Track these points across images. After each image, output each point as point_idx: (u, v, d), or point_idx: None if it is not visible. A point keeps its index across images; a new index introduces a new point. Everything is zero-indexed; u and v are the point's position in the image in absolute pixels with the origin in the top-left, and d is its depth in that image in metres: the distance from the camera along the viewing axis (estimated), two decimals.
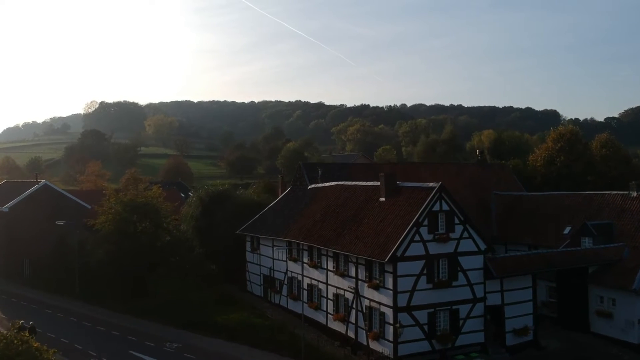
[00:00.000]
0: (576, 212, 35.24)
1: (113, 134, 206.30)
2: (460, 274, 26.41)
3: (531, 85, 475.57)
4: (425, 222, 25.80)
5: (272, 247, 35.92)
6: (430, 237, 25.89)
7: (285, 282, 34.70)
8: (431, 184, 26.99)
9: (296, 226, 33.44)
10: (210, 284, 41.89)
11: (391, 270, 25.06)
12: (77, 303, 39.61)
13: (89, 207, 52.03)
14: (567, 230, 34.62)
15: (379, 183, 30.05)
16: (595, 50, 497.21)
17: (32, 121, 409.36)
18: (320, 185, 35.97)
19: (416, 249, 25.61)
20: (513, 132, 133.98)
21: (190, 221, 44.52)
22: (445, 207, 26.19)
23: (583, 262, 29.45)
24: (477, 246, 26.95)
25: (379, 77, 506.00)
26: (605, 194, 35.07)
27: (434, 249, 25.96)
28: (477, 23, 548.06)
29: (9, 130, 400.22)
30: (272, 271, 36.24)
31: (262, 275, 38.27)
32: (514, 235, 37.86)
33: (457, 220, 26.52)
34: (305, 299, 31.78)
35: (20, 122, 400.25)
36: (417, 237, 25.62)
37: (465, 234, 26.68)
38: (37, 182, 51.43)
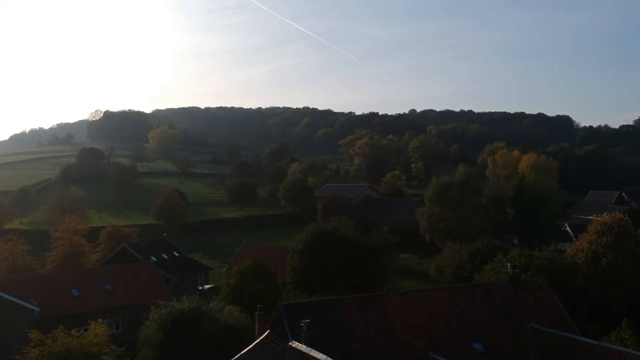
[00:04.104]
0: None
1: (113, 151, 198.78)
2: None
3: (542, 87, 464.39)
4: None
5: None
6: None
7: None
8: None
9: None
10: None
11: None
12: None
13: (37, 309, 44.05)
14: None
15: None
16: (605, 50, 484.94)
17: (39, 127, 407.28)
18: (303, 349, 27.09)
19: None
20: (538, 156, 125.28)
21: (147, 351, 35.86)
22: None
23: None
24: None
25: (389, 77, 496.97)
26: None
27: None
28: (488, 23, 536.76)
29: (15, 137, 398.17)
30: None
31: None
32: None
33: None
34: None
35: (27, 129, 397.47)
36: None
37: None
38: None
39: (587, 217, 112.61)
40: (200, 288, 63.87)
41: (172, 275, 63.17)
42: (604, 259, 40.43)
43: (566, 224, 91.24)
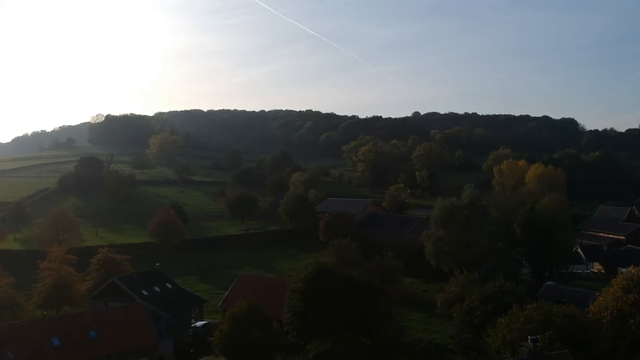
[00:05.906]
0: None
1: (112, 158, 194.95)
2: None
3: (547, 88, 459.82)
4: None
5: None
6: None
7: None
8: None
9: None
10: None
11: None
12: None
13: None
14: None
15: None
16: (609, 50, 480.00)
17: (41, 130, 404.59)
18: None
19: None
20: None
21: None
22: None
23: None
24: None
25: (392, 77, 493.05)
26: None
27: None
28: (492, 23, 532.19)
29: (17, 140, 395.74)
30: None
31: None
32: None
33: None
34: None
35: (30, 131, 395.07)
36: None
37: None
38: None
39: (597, 234, 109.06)
40: (194, 325, 60.38)
41: (163, 311, 59.77)
42: (632, 320, 36.55)
43: (578, 246, 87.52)
